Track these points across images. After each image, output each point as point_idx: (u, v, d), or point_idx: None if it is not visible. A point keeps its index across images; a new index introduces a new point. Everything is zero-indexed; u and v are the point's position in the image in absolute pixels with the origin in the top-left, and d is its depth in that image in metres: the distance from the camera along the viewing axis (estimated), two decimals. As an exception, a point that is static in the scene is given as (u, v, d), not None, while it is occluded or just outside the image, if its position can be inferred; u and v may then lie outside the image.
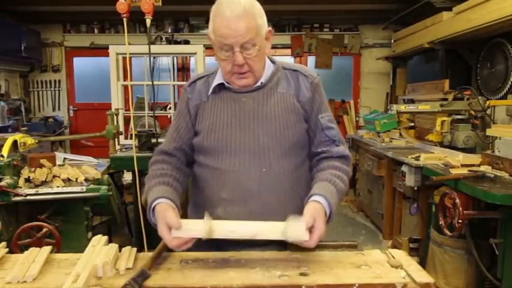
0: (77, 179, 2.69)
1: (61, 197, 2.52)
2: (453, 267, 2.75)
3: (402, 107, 3.83)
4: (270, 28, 1.40)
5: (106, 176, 3.07)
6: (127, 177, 4.16)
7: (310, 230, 1.18)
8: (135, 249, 1.29)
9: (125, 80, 4.07)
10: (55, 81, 6.34)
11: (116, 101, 4.01)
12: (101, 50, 5.46)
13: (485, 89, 4.00)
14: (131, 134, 3.45)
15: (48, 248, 1.29)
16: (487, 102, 3.55)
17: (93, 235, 1.44)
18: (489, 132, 3.18)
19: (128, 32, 2.81)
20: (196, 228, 1.18)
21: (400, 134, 4.58)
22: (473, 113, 3.55)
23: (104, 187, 2.60)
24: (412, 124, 4.68)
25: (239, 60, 1.30)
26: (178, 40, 6.05)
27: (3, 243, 1.32)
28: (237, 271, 1.16)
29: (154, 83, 3.26)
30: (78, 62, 6.43)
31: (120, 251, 1.28)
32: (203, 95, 1.45)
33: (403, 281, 1.10)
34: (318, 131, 1.43)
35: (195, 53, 4.24)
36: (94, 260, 1.16)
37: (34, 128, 5.25)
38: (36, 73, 6.29)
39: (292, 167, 1.40)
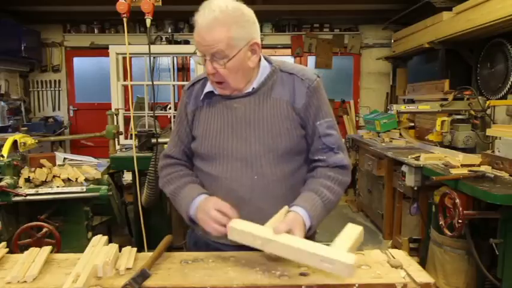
0: (77, 179, 2.69)
1: (61, 197, 2.52)
2: (453, 267, 2.75)
3: (402, 107, 3.83)
4: (256, 41, 1.30)
5: (106, 176, 3.07)
6: (127, 177, 4.15)
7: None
8: (135, 249, 1.29)
9: (125, 80, 4.07)
10: (55, 81, 6.34)
11: (116, 101, 4.01)
12: (101, 50, 5.47)
13: (485, 89, 4.00)
14: (131, 134, 3.45)
15: (48, 248, 1.29)
16: (487, 102, 3.56)
17: (93, 235, 1.44)
18: (489, 132, 3.18)
19: (127, 32, 2.82)
20: (257, 231, 1.15)
21: (400, 134, 4.57)
22: (473, 113, 3.55)
23: (104, 187, 2.60)
24: (412, 124, 4.67)
25: (208, 69, 1.28)
26: (178, 40, 6.06)
27: (3, 243, 1.32)
28: (237, 271, 1.16)
29: (154, 83, 3.26)
30: (78, 62, 6.43)
31: (120, 251, 1.28)
32: (199, 100, 1.43)
33: (403, 281, 1.10)
34: (315, 138, 1.36)
35: (195, 53, 4.23)
36: (94, 260, 1.16)
37: (34, 128, 5.25)
38: (36, 73, 6.30)
39: (287, 174, 1.36)
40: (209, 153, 1.37)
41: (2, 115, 5.35)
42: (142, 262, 1.19)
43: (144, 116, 4.28)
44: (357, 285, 1.09)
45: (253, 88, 1.36)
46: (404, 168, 3.28)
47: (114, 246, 1.25)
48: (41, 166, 2.76)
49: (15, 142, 2.83)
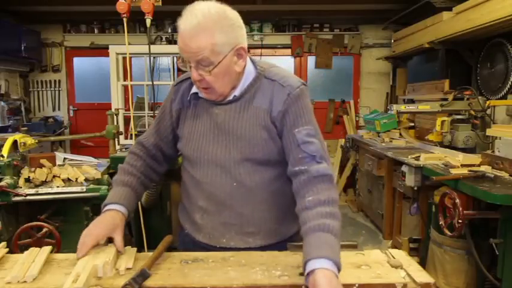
0: (77, 179, 2.69)
1: (61, 197, 2.52)
2: (453, 267, 2.75)
3: (402, 107, 3.84)
4: (242, 45, 1.26)
5: (106, 176, 3.06)
6: (127, 177, 4.14)
7: None
8: (135, 249, 1.29)
9: (125, 80, 4.06)
10: (55, 81, 6.34)
11: (116, 101, 4.01)
12: (101, 50, 5.46)
13: (485, 89, 4.00)
14: (131, 134, 3.44)
15: (48, 248, 1.29)
16: (487, 102, 3.56)
17: (93, 235, 1.44)
18: (489, 132, 3.18)
19: (128, 32, 2.81)
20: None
21: (400, 134, 4.58)
22: (473, 113, 3.55)
23: (104, 187, 2.59)
24: (412, 124, 4.68)
25: (194, 76, 1.25)
26: (179, 40, 6.05)
27: (3, 243, 1.32)
28: (237, 271, 1.16)
29: (154, 83, 3.26)
30: (78, 62, 6.43)
31: (120, 251, 1.27)
32: (185, 99, 1.41)
33: (403, 281, 1.10)
34: (294, 147, 1.26)
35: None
36: (94, 260, 1.16)
37: (34, 128, 5.25)
38: (36, 73, 6.30)
39: (267, 181, 1.33)
40: (192, 156, 1.37)
41: (2, 115, 5.35)
42: (142, 262, 1.19)
43: (144, 116, 4.28)
44: (357, 285, 1.09)
45: (235, 96, 1.32)
46: (404, 168, 3.28)
47: (114, 246, 1.25)
48: (41, 166, 2.76)
49: (15, 142, 2.82)
